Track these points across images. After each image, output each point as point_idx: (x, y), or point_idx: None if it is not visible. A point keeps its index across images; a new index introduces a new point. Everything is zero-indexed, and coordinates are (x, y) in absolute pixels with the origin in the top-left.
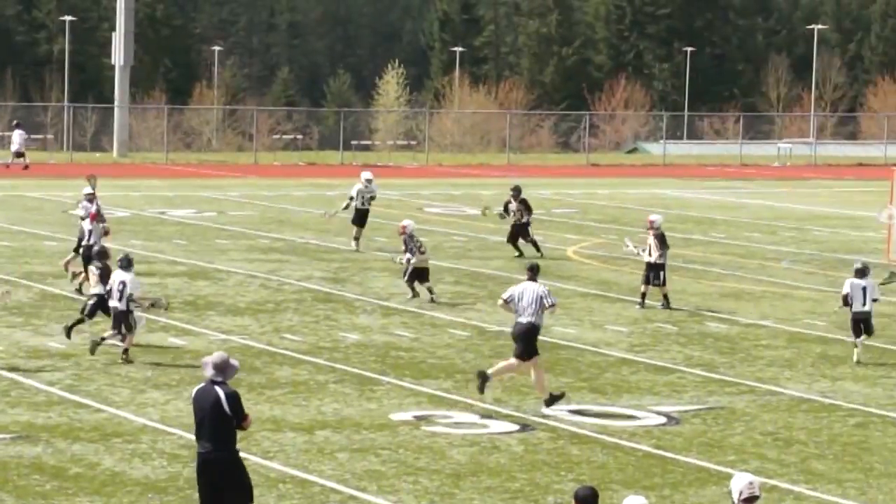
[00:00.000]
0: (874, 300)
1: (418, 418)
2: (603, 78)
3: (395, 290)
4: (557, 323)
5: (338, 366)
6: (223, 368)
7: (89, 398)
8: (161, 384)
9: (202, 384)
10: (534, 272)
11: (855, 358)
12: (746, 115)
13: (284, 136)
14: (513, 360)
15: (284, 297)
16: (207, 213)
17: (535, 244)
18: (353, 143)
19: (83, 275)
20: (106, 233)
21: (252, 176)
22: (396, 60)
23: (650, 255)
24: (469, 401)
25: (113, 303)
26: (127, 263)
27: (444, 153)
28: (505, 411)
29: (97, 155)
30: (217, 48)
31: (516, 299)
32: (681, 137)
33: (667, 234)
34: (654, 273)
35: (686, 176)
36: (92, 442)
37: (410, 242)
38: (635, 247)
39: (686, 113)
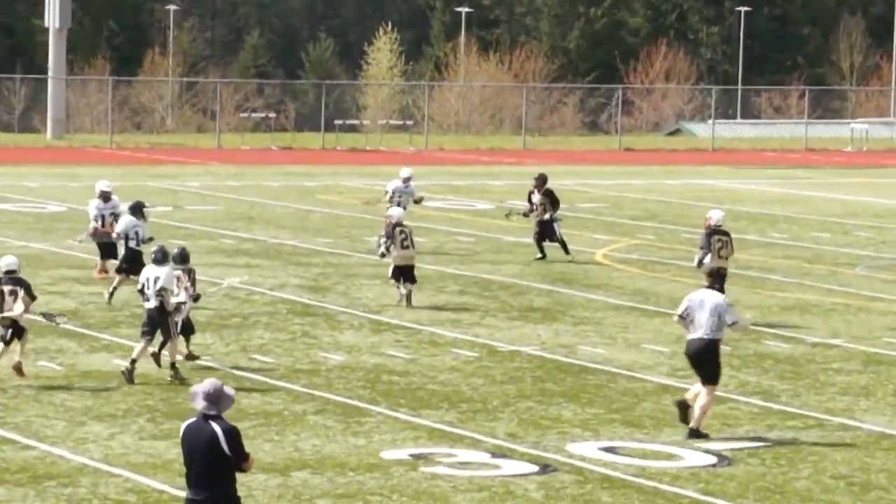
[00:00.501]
0: None
1: (415, 457)
2: (639, 44)
3: (387, 301)
4: (585, 342)
5: (318, 393)
6: (217, 399)
7: (16, 432)
8: (104, 415)
9: (192, 419)
10: (714, 278)
11: None
12: (813, 89)
13: (254, 115)
14: (703, 388)
15: (254, 310)
16: (161, 208)
17: (563, 244)
18: (338, 122)
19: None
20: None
21: (214, 162)
22: (389, 23)
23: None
24: (477, 436)
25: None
26: (162, 257)
27: (447, 135)
28: (521, 448)
29: (27, 137)
30: (172, 7)
31: (693, 310)
32: (733, 116)
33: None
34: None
35: (740, 163)
36: (19, 486)
37: (392, 233)
38: None
39: (740, 87)
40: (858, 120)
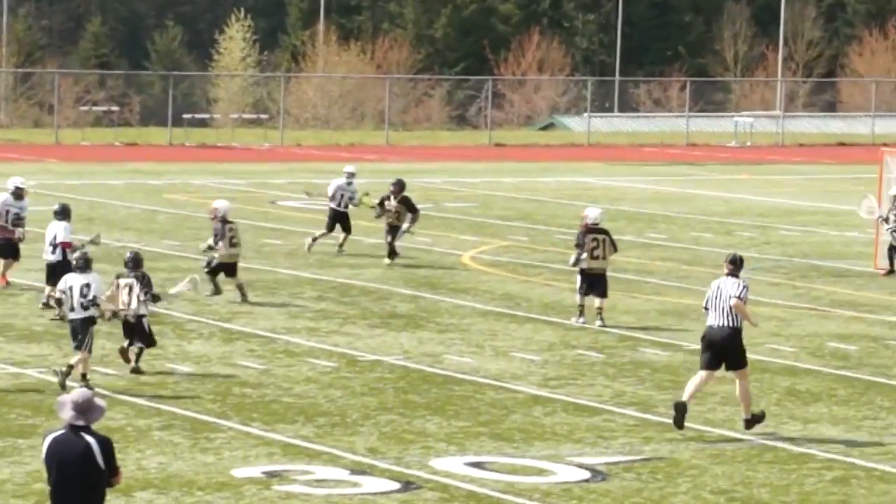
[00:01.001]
0: None
1: (269, 475)
2: (510, 33)
3: (238, 309)
4: (451, 350)
5: (164, 407)
6: (86, 409)
7: None
8: None
9: (58, 432)
10: (735, 265)
11: None
12: (695, 80)
13: (95, 109)
14: (700, 377)
15: None
16: None
17: (392, 249)
18: (186, 116)
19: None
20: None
21: (52, 159)
22: (242, 10)
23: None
24: (336, 452)
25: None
26: (85, 264)
27: (305, 130)
28: (382, 464)
29: None
30: None
31: (712, 298)
32: (610, 110)
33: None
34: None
35: (617, 159)
36: None
37: (222, 229)
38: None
39: (617, 78)
40: (743, 113)
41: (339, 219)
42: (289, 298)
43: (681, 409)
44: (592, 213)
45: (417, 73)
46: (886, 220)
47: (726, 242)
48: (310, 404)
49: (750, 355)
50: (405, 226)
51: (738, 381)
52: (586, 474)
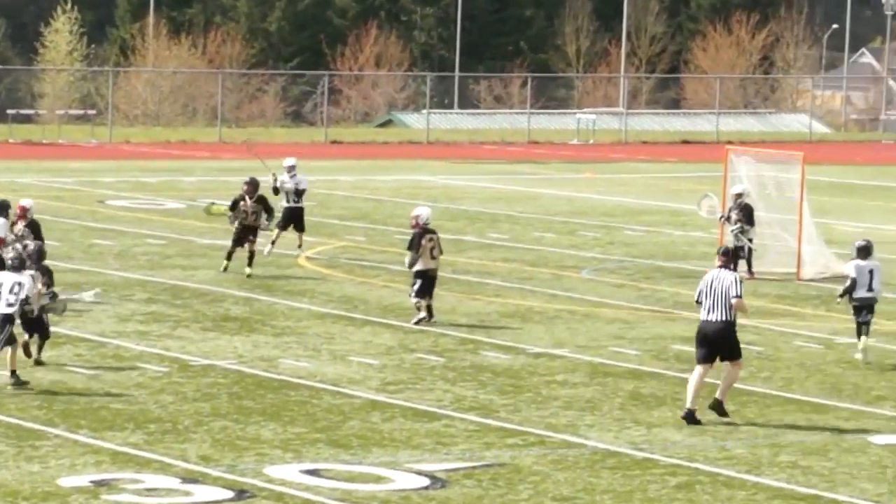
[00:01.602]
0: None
1: (97, 484)
2: (347, 27)
3: (65, 311)
4: (286, 354)
5: None
6: None
7: None
8: None
9: None
10: (728, 258)
11: (860, 357)
12: (536, 76)
13: None
14: (698, 374)
15: None
16: None
17: (251, 255)
18: (10, 112)
19: None
20: None
21: None
22: (68, 2)
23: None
24: (167, 459)
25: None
26: (20, 263)
27: (134, 127)
28: (215, 472)
29: None
30: None
31: (706, 291)
32: (450, 106)
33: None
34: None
35: (457, 157)
36: None
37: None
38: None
39: (457, 74)
40: (585, 110)
41: (292, 217)
42: (118, 301)
43: (692, 419)
44: (425, 213)
45: (251, 67)
46: (729, 219)
47: (569, 242)
48: (140, 410)
49: (592, 358)
50: (263, 224)
51: (729, 368)
52: (425, 481)
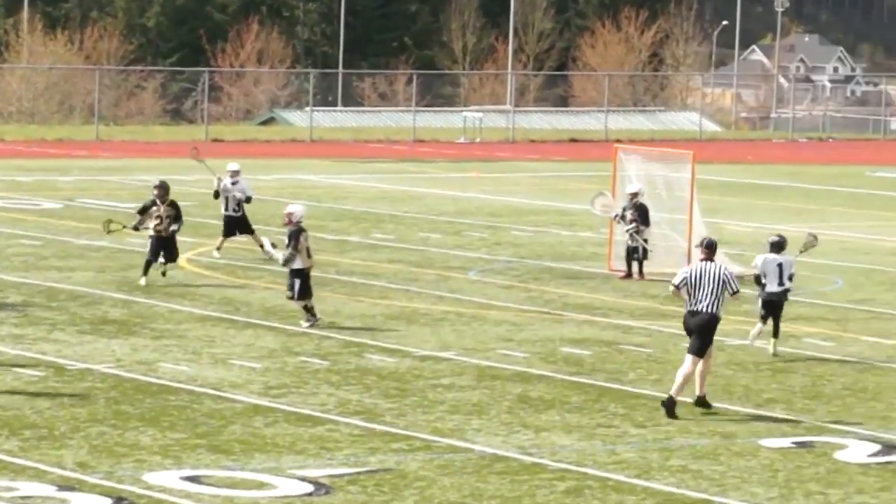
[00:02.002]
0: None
1: None
2: (228, 22)
3: None
4: (166, 358)
5: None
6: None
7: None
8: None
9: None
10: (711, 250)
11: (770, 350)
12: (422, 73)
13: None
14: (687, 364)
15: None
16: None
17: (173, 259)
18: None
19: None
20: None
21: None
22: None
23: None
24: (42, 466)
25: None
26: None
27: (9, 125)
28: (93, 479)
29: None
30: None
31: (691, 283)
32: (334, 104)
33: (314, 234)
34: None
35: (341, 156)
36: None
37: None
38: None
39: (340, 70)
40: (472, 108)
41: (235, 225)
42: None
43: (671, 408)
44: (299, 210)
45: (129, 64)
46: (623, 218)
47: (456, 243)
48: (14, 416)
49: (479, 361)
50: (174, 227)
51: (702, 363)
52: (309, 487)
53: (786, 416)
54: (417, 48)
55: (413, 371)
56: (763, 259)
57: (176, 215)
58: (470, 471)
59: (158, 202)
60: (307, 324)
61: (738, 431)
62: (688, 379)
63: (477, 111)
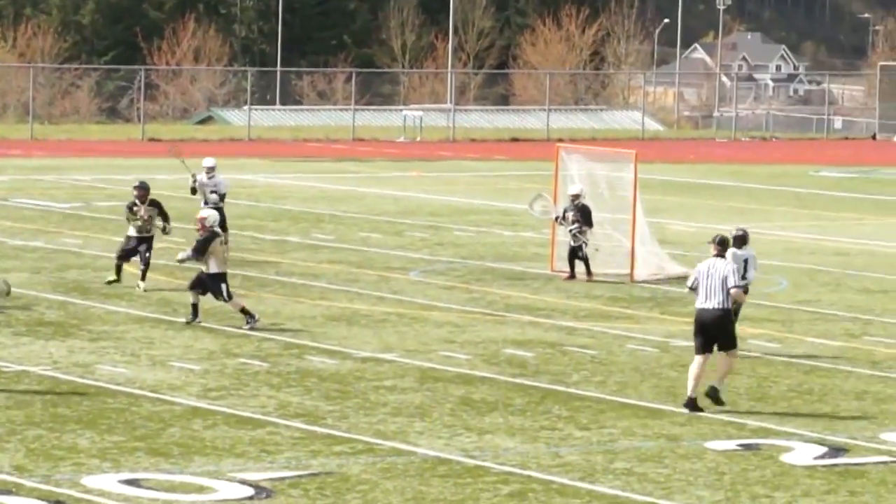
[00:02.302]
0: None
1: None
2: (164, 20)
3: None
4: (104, 360)
5: None
6: None
7: None
8: None
9: None
10: (724, 247)
11: None
12: (361, 71)
13: None
14: (697, 365)
15: None
16: None
17: (146, 268)
18: None
19: None
20: None
21: None
22: None
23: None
24: None
25: None
26: None
27: None
28: (30, 483)
29: None
30: None
31: (702, 279)
32: (272, 102)
33: (253, 235)
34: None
35: (280, 155)
36: None
37: None
38: None
39: (279, 69)
40: (412, 106)
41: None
42: None
43: (693, 407)
44: (213, 216)
45: (64, 62)
46: (565, 219)
47: (397, 243)
48: None
49: (421, 363)
50: (161, 224)
51: (724, 357)
52: (250, 491)
53: (731, 419)
54: (356, 46)
55: (355, 373)
56: (731, 253)
57: (159, 213)
58: (413, 474)
59: (139, 203)
60: (249, 325)
61: (684, 434)
62: (699, 378)
63: (417, 110)
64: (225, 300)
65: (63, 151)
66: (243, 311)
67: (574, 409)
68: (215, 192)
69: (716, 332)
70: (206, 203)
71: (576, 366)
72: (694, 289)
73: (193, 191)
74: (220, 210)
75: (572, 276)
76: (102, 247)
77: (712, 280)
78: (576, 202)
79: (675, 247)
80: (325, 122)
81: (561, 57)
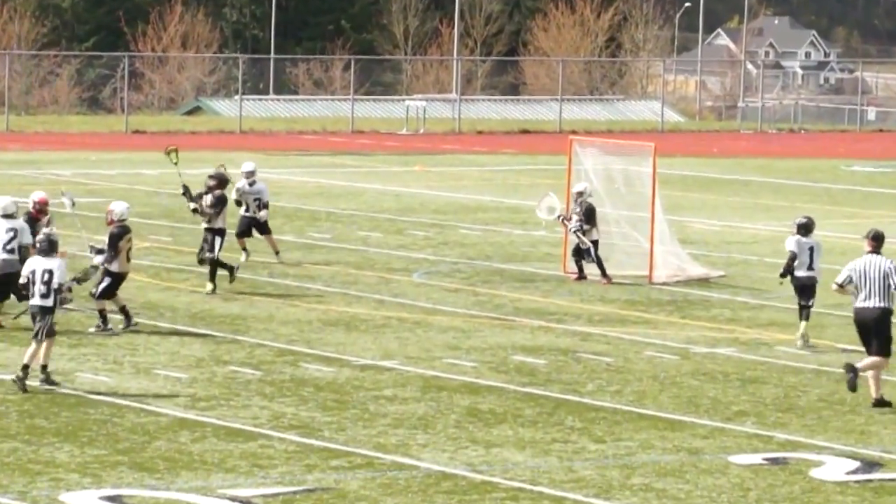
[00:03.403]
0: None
1: None
2: (150, 3)
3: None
4: (84, 367)
5: None
6: None
7: None
8: None
9: None
10: (879, 242)
11: (800, 334)
12: (360, 59)
13: None
14: (876, 358)
15: None
16: None
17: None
18: None
19: None
20: None
21: None
22: None
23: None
24: None
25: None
26: (49, 247)
27: None
28: (4, 500)
29: None
30: None
31: (858, 277)
32: (265, 92)
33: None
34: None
35: (273, 148)
36: None
37: None
38: None
39: (272, 56)
40: (415, 96)
41: (253, 225)
42: None
43: (882, 403)
44: (119, 208)
45: (42, 48)
46: (569, 219)
47: (398, 243)
48: None
49: (424, 371)
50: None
51: (876, 361)
52: None
53: (757, 431)
54: (355, 32)
55: (353, 382)
56: (796, 241)
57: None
58: (415, 490)
59: (209, 195)
60: (93, 328)
61: (706, 447)
62: (878, 374)
63: (420, 100)
64: (93, 295)
65: (40, 144)
66: (101, 313)
67: (588, 420)
68: (259, 199)
69: (873, 331)
70: (247, 210)
71: (590, 374)
72: (843, 286)
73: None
74: (256, 222)
75: (581, 276)
76: (82, 247)
77: (871, 278)
78: (580, 200)
79: (697, 247)
80: (321, 113)
81: (574, 43)
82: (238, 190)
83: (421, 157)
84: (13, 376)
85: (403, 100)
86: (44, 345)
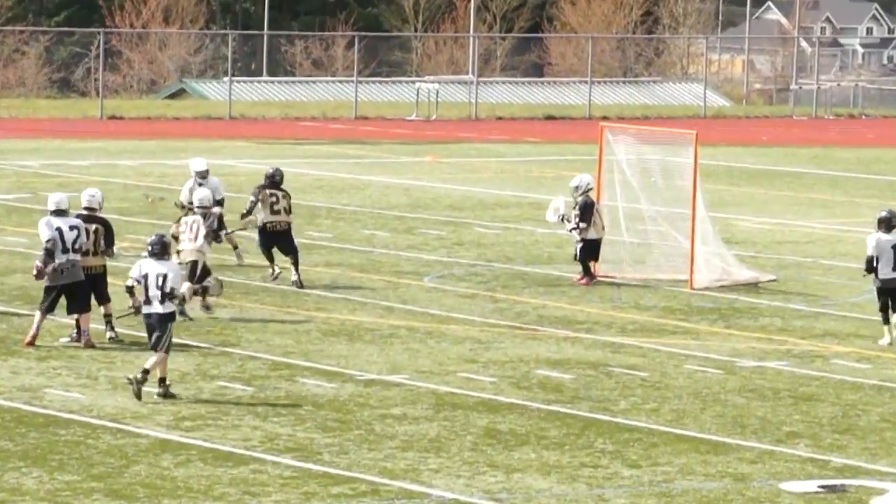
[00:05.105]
0: None
1: None
2: None
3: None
4: (54, 383)
5: None
6: None
7: None
8: None
9: None
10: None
11: (887, 340)
12: (365, 36)
13: None
14: None
15: None
16: None
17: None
18: None
19: None
20: None
21: None
22: None
23: None
24: None
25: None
26: (161, 249)
27: None
28: None
29: None
30: None
31: (883, 253)
32: (258, 73)
33: (239, 233)
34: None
35: (267, 136)
36: None
37: None
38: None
39: (266, 32)
40: (426, 78)
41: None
42: None
43: None
44: (89, 196)
45: (6, 23)
46: (568, 219)
47: (408, 243)
48: None
49: (437, 386)
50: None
51: None
52: None
53: (811, 455)
54: (360, 5)
55: (356, 399)
56: (876, 239)
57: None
58: None
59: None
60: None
61: (754, 473)
62: None
63: (432, 82)
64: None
65: (6, 131)
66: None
67: (621, 442)
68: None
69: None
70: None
71: (623, 390)
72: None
73: (182, 206)
74: (220, 218)
75: (591, 277)
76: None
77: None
78: (575, 195)
79: (744, 247)
80: (321, 97)
81: (606, 18)
82: (190, 190)
83: (433, 146)
84: (129, 376)
85: (413, 82)
86: (162, 356)
